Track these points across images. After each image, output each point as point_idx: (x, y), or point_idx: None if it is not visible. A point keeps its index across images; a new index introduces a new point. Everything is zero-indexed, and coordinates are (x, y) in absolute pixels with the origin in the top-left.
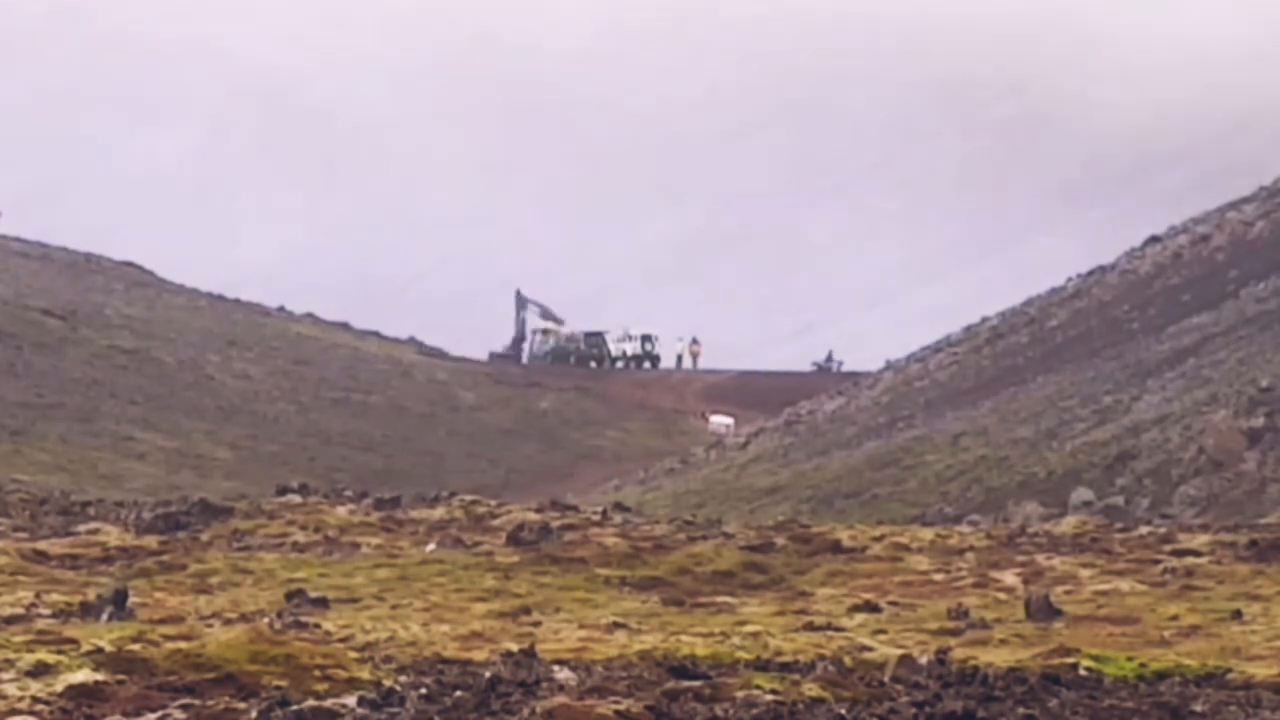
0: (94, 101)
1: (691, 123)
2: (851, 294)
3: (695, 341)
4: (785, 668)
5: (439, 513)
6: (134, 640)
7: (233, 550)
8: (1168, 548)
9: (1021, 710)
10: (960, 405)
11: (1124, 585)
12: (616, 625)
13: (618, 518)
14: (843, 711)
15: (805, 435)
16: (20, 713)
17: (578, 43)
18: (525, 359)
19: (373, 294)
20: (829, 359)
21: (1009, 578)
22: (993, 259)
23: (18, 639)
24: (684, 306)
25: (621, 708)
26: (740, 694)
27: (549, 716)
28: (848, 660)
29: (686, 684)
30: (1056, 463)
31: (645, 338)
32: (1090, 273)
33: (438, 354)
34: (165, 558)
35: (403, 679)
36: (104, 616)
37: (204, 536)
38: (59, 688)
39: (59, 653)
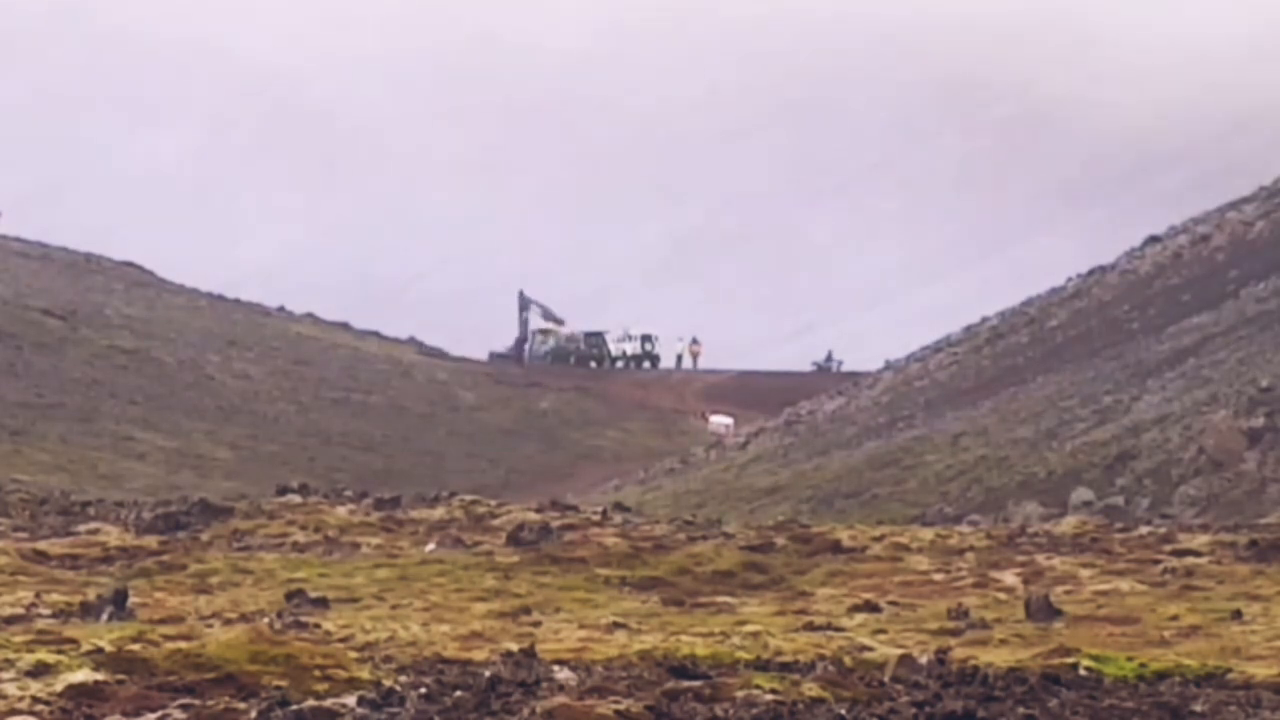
0: (94, 101)
1: (691, 123)
2: (851, 294)
3: (695, 341)
4: (785, 668)
5: (439, 513)
6: (134, 640)
7: (233, 550)
8: (1168, 548)
9: (1021, 710)
10: (960, 405)
11: (1124, 585)
12: (616, 625)
13: (618, 518)
14: (843, 711)
15: (805, 435)
16: (20, 712)
17: (578, 43)
18: (525, 359)
19: (373, 294)
20: (829, 359)
21: (1009, 578)
22: (993, 259)
23: (18, 639)
24: (684, 306)
25: (621, 708)
26: (740, 694)
27: (549, 716)
28: (848, 660)
29: (686, 684)
30: (1056, 463)
31: (645, 338)
32: (1090, 273)
33: (438, 354)
34: (165, 558)
35: (403, 679)
36: (104, 616)
37: (204, 536)
38: (59, 687)
39: (59, 653)
